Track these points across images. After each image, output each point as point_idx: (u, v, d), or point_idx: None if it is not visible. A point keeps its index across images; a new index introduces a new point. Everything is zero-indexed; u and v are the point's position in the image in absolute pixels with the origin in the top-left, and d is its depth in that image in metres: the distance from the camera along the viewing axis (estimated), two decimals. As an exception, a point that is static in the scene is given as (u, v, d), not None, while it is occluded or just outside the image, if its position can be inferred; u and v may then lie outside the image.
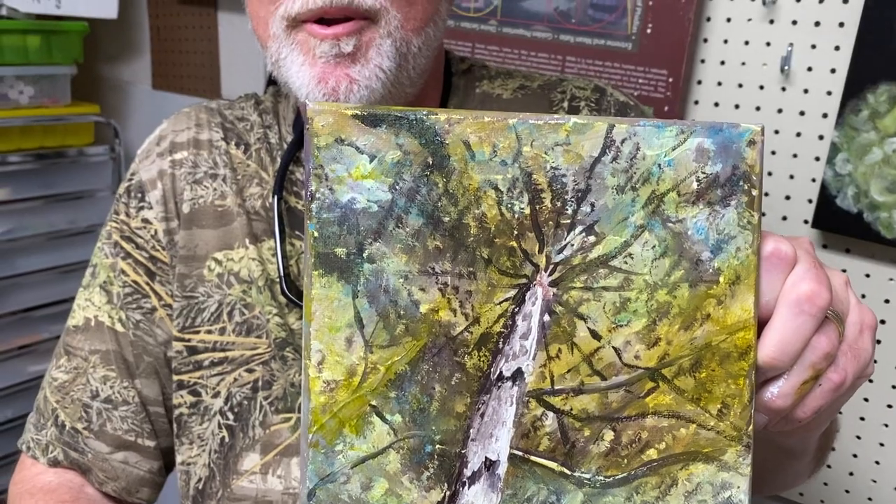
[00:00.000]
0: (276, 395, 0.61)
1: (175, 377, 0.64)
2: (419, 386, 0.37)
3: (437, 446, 0.37)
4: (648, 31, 0.98)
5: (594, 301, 0.38)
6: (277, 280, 0.62)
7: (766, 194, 0.96)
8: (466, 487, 0.38)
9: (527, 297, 0.38)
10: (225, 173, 0.66)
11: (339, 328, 0.36)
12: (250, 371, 0.62)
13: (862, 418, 0.95)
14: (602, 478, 0.39)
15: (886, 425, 0.94)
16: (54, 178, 1.60)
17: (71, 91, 1.60)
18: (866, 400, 0.94)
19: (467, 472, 0.38)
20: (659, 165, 0.38)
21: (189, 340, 0.64)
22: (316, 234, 0.36)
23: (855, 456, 0.97)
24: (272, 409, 0.61)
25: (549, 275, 0.38)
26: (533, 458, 0.38)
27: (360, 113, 0.35)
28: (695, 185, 0.38)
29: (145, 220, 0.66)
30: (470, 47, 1.13)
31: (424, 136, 0.36)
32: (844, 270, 0.93)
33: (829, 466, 0.99)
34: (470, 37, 1.12)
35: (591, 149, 0.37)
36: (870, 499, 0.97)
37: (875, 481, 0.96)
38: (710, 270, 0.39)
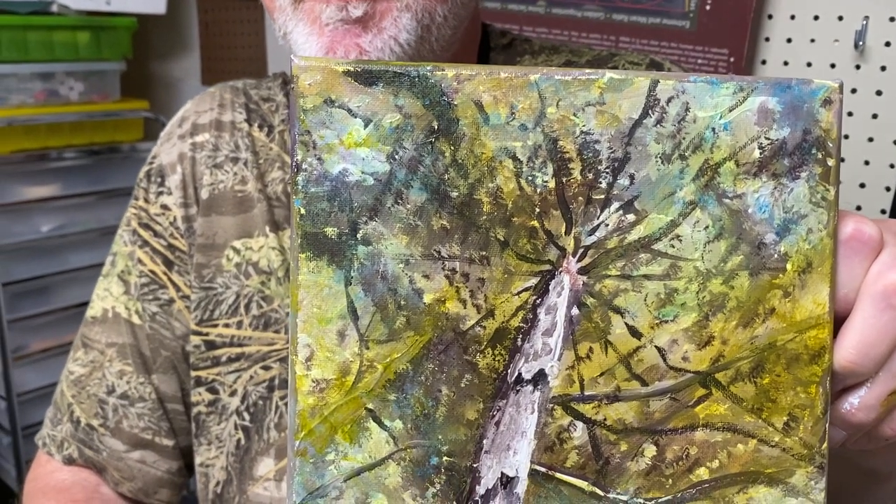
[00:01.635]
0: (294, 395, 0.57)
1: (193, 373, 0.60)
2: (423, 388, 0.32)
3: (445, 458, 0.32)
4: (707, 7, 0.91)
5: (633, 292, 0.32)
6: (297, 271, 0.58)
7: (839, 181, 0.88)
8: (480, 507, 0.32)
9: (551, 287, 0.32)
10: (246, 157, 0.62)
11: (329, 319, 0.31)
12: (266, 368, 0.58)
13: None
14: (642, 500, 0.33)
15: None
16: (104, 174, 1.61)
17: (120, 87, 1.60)
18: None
19: (480, 490, 0.32)
20: (713, 130, 0.32)
21: (207, 334, 0.60)
22: (303, 210, 0.31)
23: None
24: (288, 410, 0.57)
25: (579, 260, 0.32)
26: (559, 475, 0.32)
27: (352, 69, 0.30)
28: (757, 154, 0.32)
29: (164, 206, 0.62)
30: (517, 30, 1.07)
31: (429, 95, 0.31)
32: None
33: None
34: (517, 18, 1.06)
35: (631, 109, 0.32)
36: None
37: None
38: (776, 256, 0.32)
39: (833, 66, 0.87)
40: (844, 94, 0.87)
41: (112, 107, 1.57)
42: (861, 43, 0.85)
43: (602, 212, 0.32)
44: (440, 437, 0.32)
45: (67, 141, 1.53)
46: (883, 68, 0.85)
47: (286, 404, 0.57)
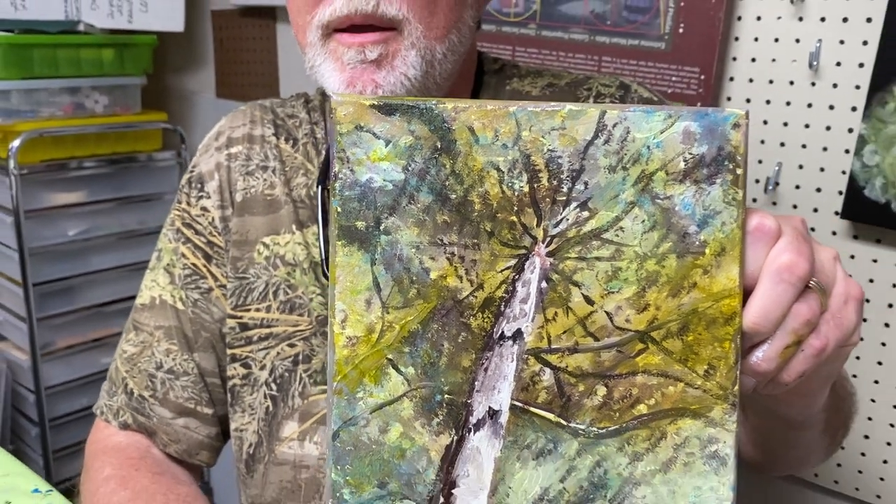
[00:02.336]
0: (315, 369, 0.67)
1: (229, 351, 0.71)
2: (430, 343, 0.42)
3: (446, 396, 0.42)
4: (681, 30, 1.02)
5: (587, 270, 0.42)
6: (320, 262, 0.68)
7: (777, 184, 0.98)
8: (472, 433, 0.42)
9: (526, 266, 0.42)
10: (274, 165, 0.72)
11: (359, 291, 0.41)
12: (292, 346, 0.68)
13: (870, 418, 0.96)
14: (595, 429, 0.43)
15: (892, 425, 0.95)
16: (125, 181, 1.71)
17: (141, 100, 1.71)
18: (873, 401, 0.96)
19: (473, 420, 0.42)
20: (648, 147, 0.42)
21: (241, 318, 0.70)
22: (339, 209, 0.41)
23: (863, 455, 0.98)
24: (311, 381, 0.67)
25: (546, 246, 0.42)
26: (532, 409, 0.43)
27: (376, 103, 0.41)
28: (682, 165, 0.42)
29: (204, 209, 0.73)
30: (510, 50, 1.17)
31: (433, 122, 0.41)
32: (875, 260, 0.95)
33: (839, 465, 1.00)
34: (510, 40, 1.17)
35: (585, 132, 0.42)
36: (878, 496, 0.98)
37: (883, 479, 0.97)
38: (697, 243, 0.42)
39: (791, 83, 0.98)
40: (802, 108, 0.98)
41: (133, 118, 1.67)
42: (815, 63, 0.95)
43: (564, 210, 0.42)
44: (442, 379, 0.42)
45: (92, 151, 1.63)
46: (834, 85, 0.95)
47: (309, 375, 0.68)
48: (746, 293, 0.43)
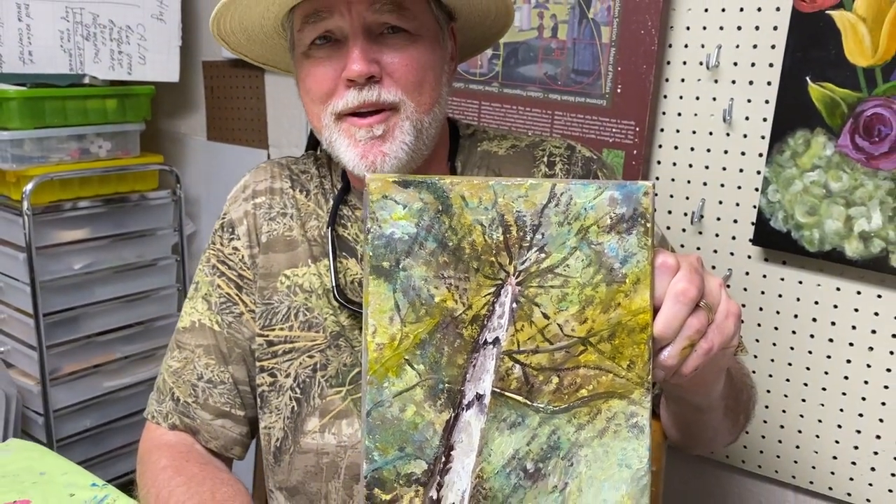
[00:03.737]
0: (330, 374, 0.84)
1: (258, 363, 0.87)
2: (434, 347, 0.59)
3: (446, 385, 0.60)
4: (619, 90, 1.22)
5: (544, 294, 0.60)
6: (331, 289, 0.85)
7: (702, 217, 1.18)
8: (465, 411, 0.60)
9: (501, 292, 0.60)
10: (292, 212, 0.89)
11: (385, 311, 0.59)
12: (311, 357, 0.85)
13: (766, 406, 1.16)
14: (551, 407, 0.61)
15: (783, 411, 1.15)
16: (125, 218, 1.86)
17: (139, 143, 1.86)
18: (768, 391, 1.16)
19: (465, 402, 0.60)
20: (585, 209, 0.60)
21: (267, 336, 0.87)
22: (371, 253, 0.59)
23: (800, 431, 1.18)
24: (327, 385, 0.84)
25: (516, 278, 0.60)
26: (506, 394, 0.60)
27: (397, 180, 0.59)
28: (609, 221, 0.60)
29: (235, 248, 0.90)
30: (477, 104, 1.37)
31: (436, 192, 0.59)
32: (782, 279, 1.15)
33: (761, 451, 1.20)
34: (477, 96, 1.36)
35: (542, 199, 0.60)
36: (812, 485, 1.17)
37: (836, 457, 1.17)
38: (620, 275, 0.60)
39: (710, 133, 1.18)
40: (719, 154, 1.18)
41: (133, 161, 1.82)
42: (728, 117, 1.15)
43: (528, 252, 0.60)
44: (444, 373, 0.60)
45: (96, 191, 1.78)
46: (744, 136, 1.15)
47: (325, 380, 0.84)
48: (655, 310, 0.61)
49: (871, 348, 1.09)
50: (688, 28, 1.17)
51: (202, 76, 1.94)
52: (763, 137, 1.13)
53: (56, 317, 1.74)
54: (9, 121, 1.60)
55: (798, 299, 1.14)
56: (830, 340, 1.13)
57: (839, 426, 1.14)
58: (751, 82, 1.13)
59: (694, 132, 1.20)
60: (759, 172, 1.14)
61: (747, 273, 1.18)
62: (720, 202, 1.19)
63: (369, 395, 0.59)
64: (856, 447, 1.13)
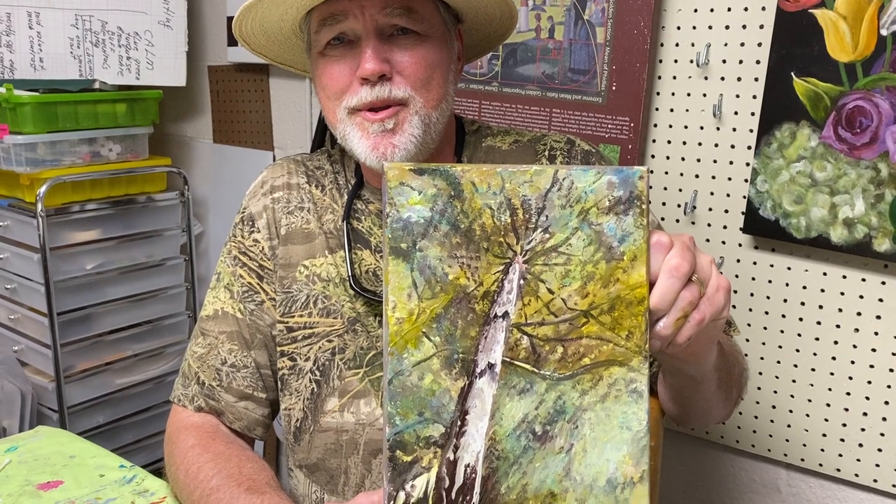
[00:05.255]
0: (348, 357, 0.89)
1: (278, 348, 0.92)
2: (449, 321, 0.65)
3: (461, 355, 0.65)
4: (614, 88, 1.27)
5: (549, 271, 0.66)
6: (347, 279, 0.90)
7: (695, 208, 1.24)
8: (478, 379, 0.65)
9: (510, 270, 0.65)
10: (308, 206, 0.95)
11: (403, 288, 0.64)
12: (329, 341, 0.90)
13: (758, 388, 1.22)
14: (557, 375, 0.66)
15: (759, 389, 1.20)
16: (134, 219, 1.91)
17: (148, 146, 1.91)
18: (760, 373, 1.21)
19: (478, 370, 0.65)
20: (585, 192, 0.66)
21: (287, 322, 0.92)
22: (390, 236, 0.64)
23: (791, 411, 1.23)
24: (346, 367, 0.89)
25: (523, 257, 0.65)
26: (516, 362, 0.66)
27: (412, 168, 0.64)
28: (607, 203, 0.66)
29: (255, 240, 0.95)
30: (477, 103, 1.42)
31: (449, 179, 0.64)
32: (772, 265, 1.21)
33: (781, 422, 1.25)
34: (477, 95, 1.42)
35: (545, 184, 0.65)
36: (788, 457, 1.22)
37: (808, 430, 1.22)
38: (618, 253, 0.66)
39: (701, 127, 1.24)
40: (710, 147, 1.23)
41: (142, 164, 1.87)
42: (718, 112, 1.21)
43: (533, 233, 0.65)
44: (458, 345, 0.65)
45: (106, 193, 1.83)
46: (734, 129, 1.21)
47: (344, 363, 0.89)
48: (651, 285, 0.67)
49: (856, 329, 1.15)
50: (678, 28, 1.23)
51: (208, 80, 1.99)
52: (751, 131, 1.18)
53: (68, 315, 1.79)
54: (23, 125, 1.65)
55: (787, 284, 1.20)
56: (818, 323, 1.18)
57: (828, 405, 1.20)
58: (739, 78, 1.19)
59: (686, 127, 1.25)
60: (748, 164, 1.20)
61: (738, 260, 1.23)
62: (711, 193, 1.24)
63: (390, 365, 0.65)
64: (844, 424, 1.19)
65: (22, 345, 1.84)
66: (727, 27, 1.18)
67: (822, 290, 1.17)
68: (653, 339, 0.68)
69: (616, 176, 0.66)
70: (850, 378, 1.17)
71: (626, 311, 0.66)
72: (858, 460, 1.18)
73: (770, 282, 1.22)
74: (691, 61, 1.22)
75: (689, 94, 1.24)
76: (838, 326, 1.17)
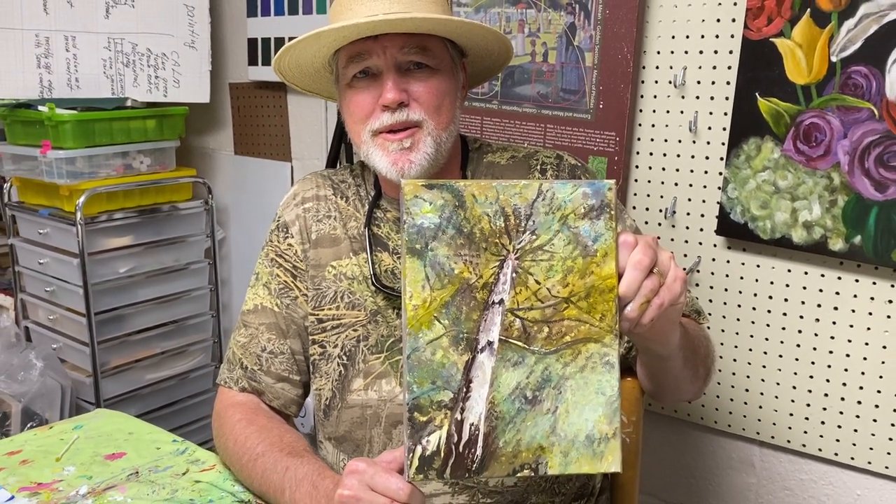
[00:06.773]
0: (371, 344, 1.04)
1: (310, 337, 1.07)
2: (455, 307, 0.79)
3: (465, 334, 0.80)
4: (601, 106, 1.42)
5: (536, 266, 0.80)
6: (369, 277, 1.05)
7: (674, 212, 1.38)
8: (479, 354, 0.80)
9: (504, 265, 0.80)
10: (335, 214, 1.09)
11: (418, 280, 0.79)
12: (355, 330, 1.05)
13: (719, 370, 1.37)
14: (544, 350, 0.80)
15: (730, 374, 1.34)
16: (163, 226, 2.06)
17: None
18: (734, 359, 1.35)
19: (479, 347, 0.80)
20: (565, 201, 0.80)
21: (318, 315, 1.07)
22: (406, 238, 0.79)
23: (762, 393, 1.37)
24: (369, 352, 1.04)
25: (515, 255, 0.80)
26: (510, 340, 0.80)
27: (424, 184, 0.79)
28: (582, 210, 0.80)
29: (290, 245, 1.10)
30: (479, 119, 1.57)
31: (453, 192, 0.79)
32: (743, 264, 1.35)
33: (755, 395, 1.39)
34: (479, 112, 1.57)
35: (532, 195, 0.80)
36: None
37: (763, 407, 1.36)
38: (593, 250, 0.80)
39: (679, 140, 1.38)
40: (686, 159, 1.38)
41: (170, 175, 2.03)
42: (694, 127, 1.36)
43: (523, 235, 0.80)
44: (463, 326, 0.80)
45: (137, 202, 1.98)
46: (708, 143, 1.35)
47: (368, 349, 1.04)
48: (620, 276, 0.81)
49: (817, 320, 1.30)
50: (658, 52, 1.38)
51: (230, 97, 2.14)
52: (723, 144, 1.33)
53: (104, 315, 1.94)
54: (64, 141, 1.81)
55: (756, 280, 1.34)
56: (784, 315, 1.33)
57: (793, 387, 1.34)
58: (711, 97, 1.33)
59: (665, 140, 1.40)
60: (720, 173, 1.34)
61: (713, 259, 1.38)
62: (689, 199, 1.39)
63: (409, 343, 0.79)
64: (808, 404, 1.33)
65: (60, 343, 2.00)
66: (701, 52, 1.33)
67: (787, 286, 1.32)
68: (622, 321, 0.81)
69: (589, 188, 0.80)
70: (813, 363, 1.31)
71: (599, 297, 0.80)
72: (821, 436, 1.33)
73: (741, 278, 1.36)
74: (670, 82, 1.37)
75: (668, 112, 1.39)
76: (801, 317, 1.31)
